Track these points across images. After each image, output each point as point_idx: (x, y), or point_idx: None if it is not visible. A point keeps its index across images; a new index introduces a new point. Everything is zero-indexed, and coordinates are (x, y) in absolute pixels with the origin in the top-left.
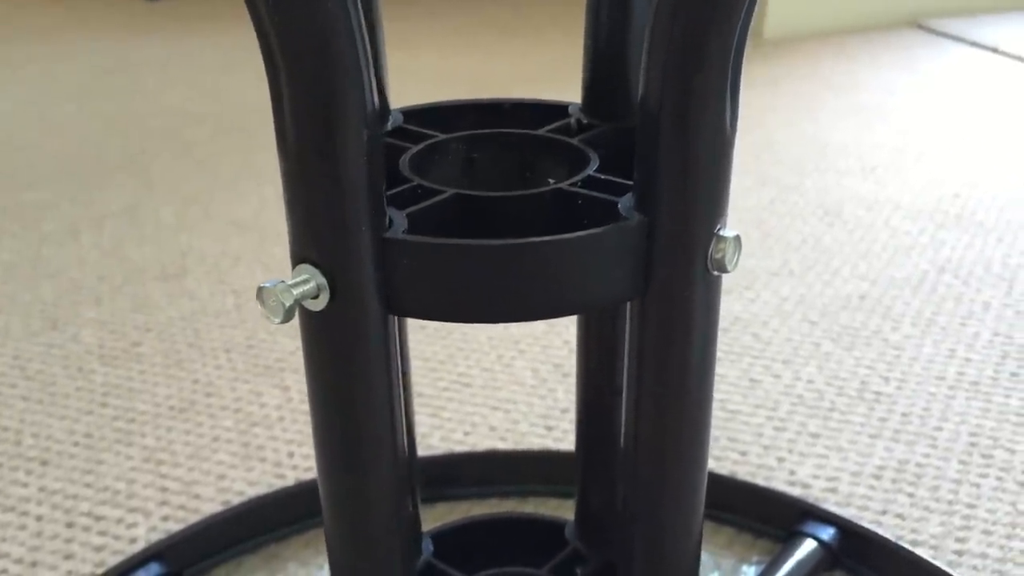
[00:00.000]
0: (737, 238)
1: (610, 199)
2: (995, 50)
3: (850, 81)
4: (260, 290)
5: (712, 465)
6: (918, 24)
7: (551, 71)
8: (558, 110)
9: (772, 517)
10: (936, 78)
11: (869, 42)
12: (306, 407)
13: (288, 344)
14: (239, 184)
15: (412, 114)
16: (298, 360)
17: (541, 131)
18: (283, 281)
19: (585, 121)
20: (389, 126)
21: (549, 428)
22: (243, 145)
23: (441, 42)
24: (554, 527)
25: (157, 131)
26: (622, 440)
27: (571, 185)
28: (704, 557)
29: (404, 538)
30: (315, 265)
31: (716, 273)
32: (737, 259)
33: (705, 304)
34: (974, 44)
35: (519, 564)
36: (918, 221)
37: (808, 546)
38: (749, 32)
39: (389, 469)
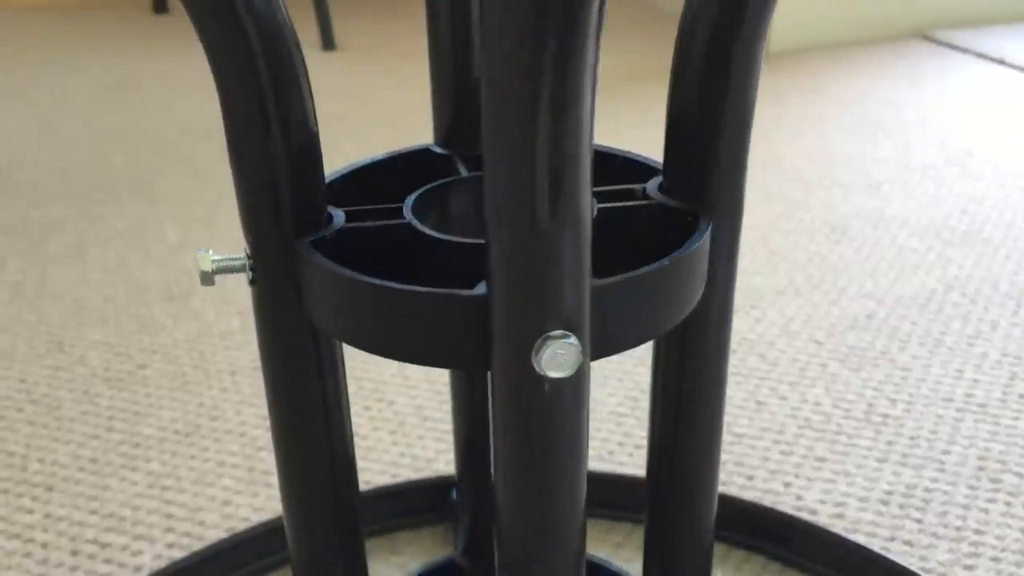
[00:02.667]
0: (573, 345)
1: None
2: (1001, 61)
3: (856, 94)
4: (197, 254)
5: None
6: (924, 35)
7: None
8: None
9: None
10: (942, 90)
11: (875, 54)
12: None
13: None
14: None
15: None
16: None
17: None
18: (211, 252)
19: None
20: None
21: None
22: None
23: None
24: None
25: (163, 147)
26: (655, 448)
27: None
28: None
29: (342, 525)
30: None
31: (545, 374)
32: (576, 365)
33: (535, 406)
34: (980, 55)
35: None
36: (925, 238)
37: None
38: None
39: (323, 460)
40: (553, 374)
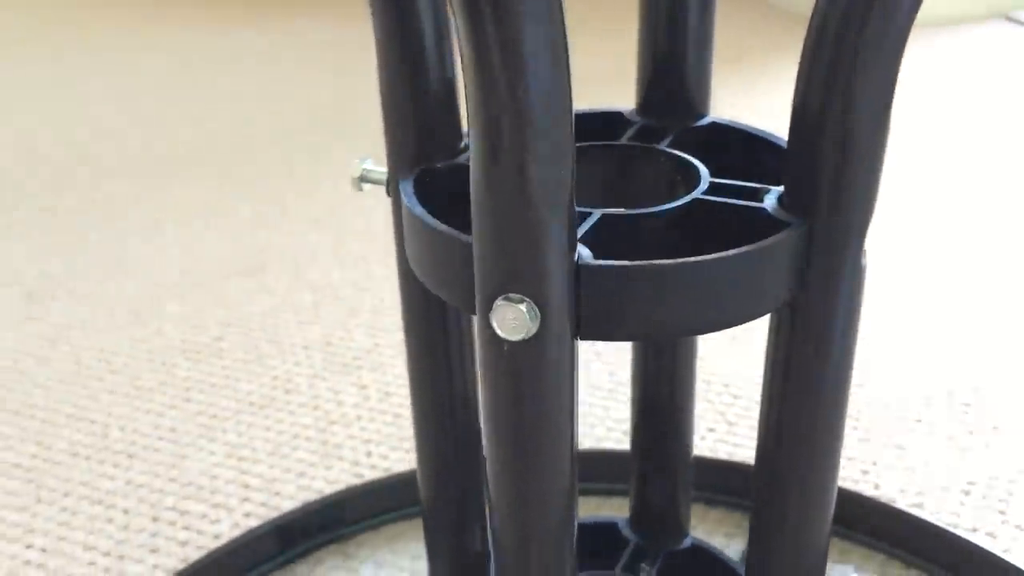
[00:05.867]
0: (523, 312)
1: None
2: None
3: (934, 77)
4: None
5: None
6: (1008, 17)
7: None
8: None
9: None
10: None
11: (955, 35)
12: (384, 406)
13: (365, 342)
14: (315, 180)
15: None
16: (375, 359)
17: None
18: (366, 161)
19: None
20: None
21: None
22: (318, 141)
23: None
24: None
25: (237, 124)
26: (761, 443)
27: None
28: None
29: None
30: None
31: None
32: (527, 332)
33: (496, 363)
34: None
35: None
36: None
37: None
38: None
39: (446, 386)
40: (503, 335)
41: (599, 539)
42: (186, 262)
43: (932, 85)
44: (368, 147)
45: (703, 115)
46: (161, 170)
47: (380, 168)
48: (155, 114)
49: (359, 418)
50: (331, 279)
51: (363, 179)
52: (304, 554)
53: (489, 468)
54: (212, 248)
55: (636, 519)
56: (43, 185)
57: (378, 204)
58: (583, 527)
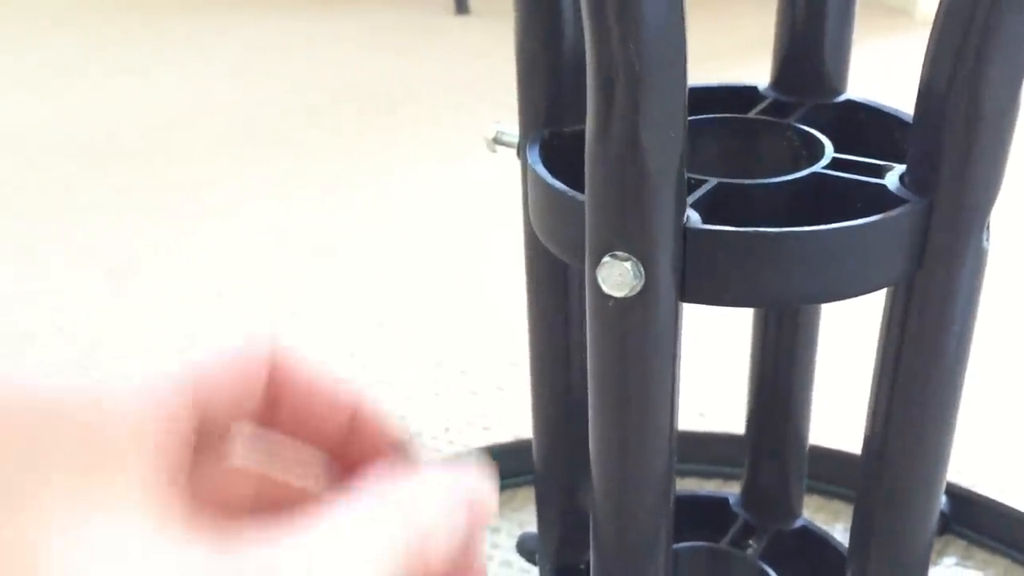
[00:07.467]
0: (629, 269)
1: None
2: None
3: None
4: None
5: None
6: None
7: None
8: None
9: None
10: None
11: None
12: (461, 385)
13: (439, 321)
14: (388, 162)
15: None
16: (448, 338)
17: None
18: (500, 124)
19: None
20: None
21: (701, 414)
22: (388, 123)
23: None
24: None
25: (308, 109)
26: (869, 426)
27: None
28: None
29: None
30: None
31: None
32: (630, 288)
33: (601, 319)
34: None
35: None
36: None
37: None
38: None
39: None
40: (608, 291)
41: (709, 513)
42: (261, 242)
43: None
44: (441, 131)
45: (839, 93)
46: (236, 153)
47: (512, 131)
48: (229, 98)
49: (436, 395)
50: (403, 260)
51: (496, 140)
52: None
53: (591, 420)
54: (286, 229)
55: (747, 498)
56: (121, 166)
57: (450, 184)
58: (695, 500)
